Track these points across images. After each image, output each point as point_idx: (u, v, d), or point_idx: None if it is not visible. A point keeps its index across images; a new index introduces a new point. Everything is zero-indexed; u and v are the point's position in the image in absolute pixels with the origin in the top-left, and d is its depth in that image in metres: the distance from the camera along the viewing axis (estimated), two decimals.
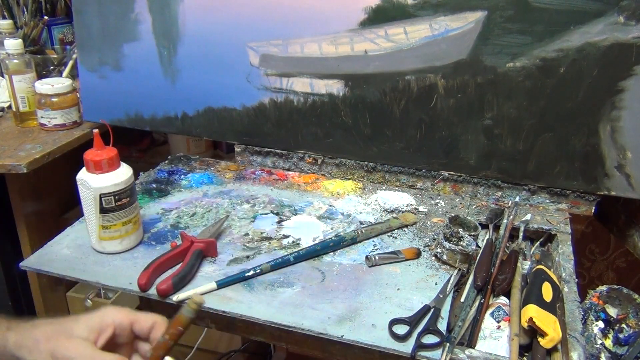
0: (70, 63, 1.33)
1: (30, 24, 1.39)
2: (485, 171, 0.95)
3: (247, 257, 0.79)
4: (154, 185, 0.98)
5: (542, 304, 0.66)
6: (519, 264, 0.78)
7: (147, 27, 1.01)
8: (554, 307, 0.68)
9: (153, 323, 0.53)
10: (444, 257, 0.78)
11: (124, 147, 1.42)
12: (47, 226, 1.22)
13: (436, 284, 0.74)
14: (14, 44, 1.12)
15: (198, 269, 0.75)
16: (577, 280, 0.75)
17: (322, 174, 1.05)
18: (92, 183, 0.73)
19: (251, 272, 0.73)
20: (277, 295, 0.70)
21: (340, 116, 0.98)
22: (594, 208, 0.92)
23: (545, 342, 0.62)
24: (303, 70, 0.97)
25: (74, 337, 0.51)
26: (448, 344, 0.63)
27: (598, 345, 0.73)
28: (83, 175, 0.74)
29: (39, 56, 1.35)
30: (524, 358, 0.64)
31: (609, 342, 0.75)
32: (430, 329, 0.65)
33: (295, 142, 1.03)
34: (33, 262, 0.76)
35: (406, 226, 0.88)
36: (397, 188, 1.01)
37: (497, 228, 0.88)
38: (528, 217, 0.89)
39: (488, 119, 0.91)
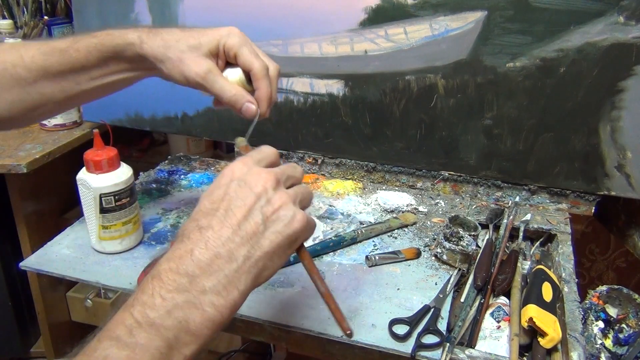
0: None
1: (30, 24, 1.39)
2: (485, 171, 0.95)
3: None
4: (154, 185, 0.98)
5: (542, 304, 0.66)
6: (519, 264, 0.78)
7: None
8: (554, 307, 0.68)
9: (250, 68, 0.63)
10: (444, 257, 0.78)
11: (124, 147, 1.42)
12: (47, 226, 1.22)
13: (436, 284, 0.74)
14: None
15: None
16: (577, 280, 0.75)
17: (322, 174, 1.05)
18: (92, 183, 0.73)
19: None
20: (277, 295, 0.70)
21: (340, 116, 0.98)
22: (594, 208, 0.92)
23: (545, 342, 0.62)
24: (303, 70, 0.97)
25: (198, 59, 0.62)
26: (448, 344, 0.63)
27: (598, 345, 0.73)
28: (83, 175, 0.74)
29: None
30: (524, 358, 0.64)
31: (609, 342, 0.75)
32: (430, 329, 0.65)
33: (295, 142, 1.03)
34: (33, 262, 0.76)
35: (406, 226, 0.88)
36: (397, 188, 1.01)
37: (497, 228, 0.88)
38: (528, 217, 0.89)
39: (488, 119, 0.91)
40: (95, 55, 0.63)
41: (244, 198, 0.45)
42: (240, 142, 0.59)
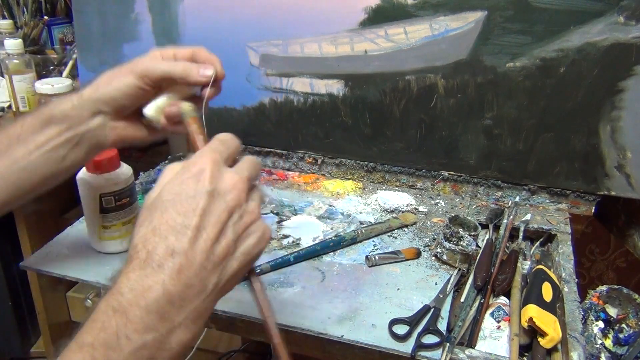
0: (70, 63, 1.33)
1: (30, 24, 1.39)
2: (485, 171, 0.95)
3: None
4: (154, 185, 0.98)
5: (542, 304, 0.66)
6: (519, 264, 0.78)
7: (147, 27, 1.01)
8: (554, 307, 0.68)
9: (192, 51, 0.59)
10: (444, 257, 0.78)
11: (124, 147, 1.42)
12: (47, 226, 1.22)
13: (436, 284, 0.74)
14: (14, 44, 1.12)
15: None
16: (577, 280, 0.75)
17: (322, 174, 1.05)
18: (92, 183, 0.73)
19: None
20: (277, 295, 0.70)
21: (340, 116, 0.98)
22: (594, 208, 0.92)
23: (545, 342, 0.62)
24: (303, 70, 0.97)
25: (143, 59, 0.57)
26: (448, 344, 0.63)
27: (598, 345, 0.73)
28: (83, 175, 0.74)
29: (39, 56, 1.35)
30: (524, 358, 0.64)
31: (609, 342, 0.75)
32: (430, 329, 0.65)
33: (295, 142, 1.03)
34: (33, 262, 0.76)
35: (406, 226, 0.88)
36: (397, 188, 1.01)
37: (497, 228, 0.88)
38: (528, 217, 0.89)
39: (488, 119, 0.91)
40: (30, 122, 0.57)
41: (218, 213, 0.41)
42: (189, 111, 0.53)
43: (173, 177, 0.43)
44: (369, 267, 0.77)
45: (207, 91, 0.57)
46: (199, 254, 0.39)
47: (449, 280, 0.74)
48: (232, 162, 0.45)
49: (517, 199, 0.95)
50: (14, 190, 0.58)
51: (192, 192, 0.41)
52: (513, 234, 0.87)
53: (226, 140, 0.46)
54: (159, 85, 0.57)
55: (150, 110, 0.57)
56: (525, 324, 0.64)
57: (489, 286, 0.74)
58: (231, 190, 0.42)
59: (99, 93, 0.56)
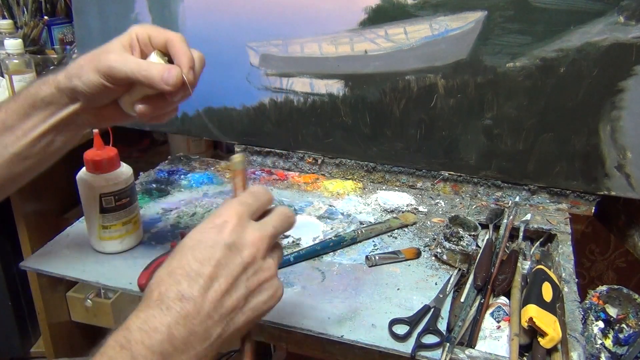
0: (70, 63, 1.33)
1: (30, 24, 1.39)
2: (485, 171, 0.95)
3: None
4: (154, 185, 0.98)
5: (542, 304, 0.66)
6: (519, 264, 0.78)
7: None
8: (554, 307, 0.68)
9: (165, 39, 0.56)
10: (444, 257, 0.78)
11: (124, 147, 1.42)
12: (47, 226, 1.22)
13: (436, 284, 0.74)
14: (14, 44, 1.12)
15: None
16: (577, 280, 0.75)
17: (322, 174, 1.05)
18: (92, 183, 0.73)
19: None
20: None
21: (340, 116, 0.98)
22: (594, 208, 0.92)
23: (545, 342, 0.62)
24: (303, 70, 0.97)
25: (111, 52, 0.54)
26: (448, 344, 0.63)
27: (598, 345, 0.73)
28: (83, 175, 0.74)
29: (39, 56, 1.35)
30: (524, 358, 0.64)
31: (609, 342, 0.75)
32: (430, 329, 0.65)
33: (295, 142, 1.03)
34: (33, 262, 0.76)
35: (406, 226, 0.88)
36: (397, 188, 1.01)
37: (497, 228, 0.88)
38: (528, 217, 0.89)
39: (488, 119, 0.91)
40: (14, 108, 0.57)
41: (233, 267, 0.42)
42: (237, 162, 0.50)
43: (199, 225, 0.44)
44: (369, 267, 0.77)
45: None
46: (208, 304, 0.41)
47: (449, 280, 0.74)
48: (260, 215, 0.46)
49: (517, 199, 0.95)
50: (8, 176, 0.59)
51: (211, 242, 0.42)
52: (513, 234, 0.87)
53: (257, 193, 0.47)
54: (126, 83, 0.55)
55: (123, 104, 0.57)
56: (525, 324, 0.64)
57: (489, 286, 0.74)
58: (249, 247, 0.43)
59: (72, 84, 0.56)
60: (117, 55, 0.54)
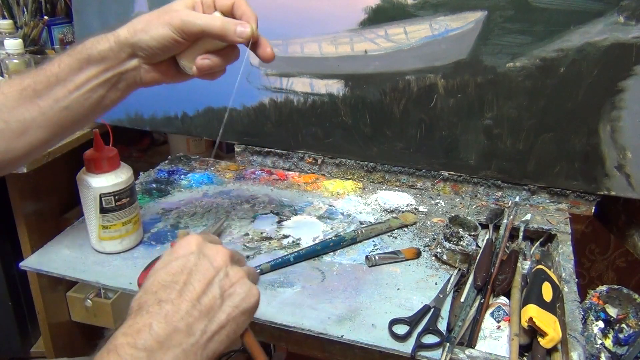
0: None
1: (30, 24, 1.39)
2: (485, 171, 0.95)
3: (247, 257, 0.79)
4: (154, 185, 0.98)
5: (542, 304, 0.66)
6: (519, 264, 0.78)
7: None
8: (554, 307, 0.68)
9: (233, 1, 0.59)
10: (444, 257, 0.78)
11: (124, 147, 1.42)
12: (47, 226, 1.22)
13: (436, 284, 0.74)
14: (14, 44, 1.12)
15: None
16: (577, 280, 0.75)
17: (322, 174, 1.05)
18: (92, 183, 0.73)
19: None
20: (277, 295, 0.70)
21: (340, 116, 0.98)
22: (594, 208, 0.92)
23: (545, 342, 0.62)
24: (303, 70, 0.97)
25: (179, 10, 0.57)
26: (448, 344, 0.63)
27: (598, 345, 0.73)
28: (83, 175, 0.74)
29: (39, 56, 1.35)
30: (524, 358, 0.64)
31: (609, 342, 0.75)
32: (430, 329, 0.65)
33: (295, 142, 1.03)
34: (33, 262, 0.76)
35: (406, 226, 0.88)
36: (397, 188, 1.01)
37: (497, 228, 0.88)
38: (528, 217, 0.89)
39: (488, 119, 0.91)
40: (67, 62, 0.58)
41: (204, 271, 0.45)
42: (182, 233, 0.55)
43: (164, 253, 0.48)
44: (369, 267, 0.77)
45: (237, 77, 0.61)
46: (185, 303, 0.43)
47: (449, 280, 0.74)
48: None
49: (517, 199, 0.95)
50: (57, 129, 0.60)
51: (180, 256, 0.46)
52: (513, 234, 0.87)
53: (210, 237, 0.51)
54: (196, 38, 0.58)
55: (184, 59, 0.59)
56: (525, 324, 0.64)
57: (489, 286, 0.74)
58: (216, 254, 0.47)
59: (135, 38, 0.57)
60: (188, 12, 0.57)
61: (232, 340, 0.46)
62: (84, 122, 0.62)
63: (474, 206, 0.95)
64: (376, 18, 0.90)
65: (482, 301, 0.72)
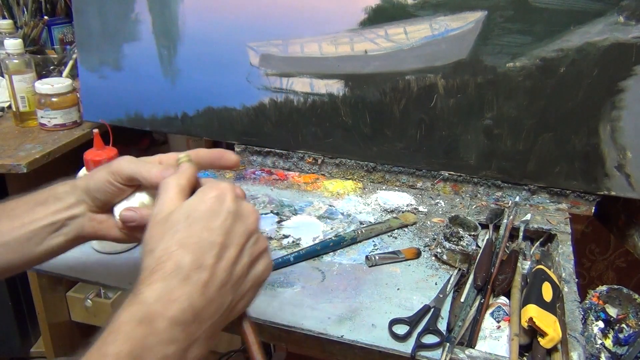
0: (70, 63, 1.33)
1: (30, 24, 1.39)
2: (485, 171, 0.95)
3: None
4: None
5: (542, 304, 0.66)
6: (519, 264, 0.78)
7: (147, 27, 1.01)
8: (554, 307, 0.68)
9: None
10: (444, 257, 0.78)
11: (124, 147, 1.42)
12: None
13: (436, 284, 0.74)
14: (14, 44, 1.12)
15: None
16: (577, 280, 0.75)
17: (322, 174, 1.05)
18: None
19: None
20: (277, 295, 0.70)
21: (340, 116, 0.98)
22: (594, 208, 0.92)
23: (545, 342, 0.62)
24: (303, 70, 0.97)
25: (126, 159, 0.55)
26: (448, 344, 0.63)
27: (598, 345, 0.73)
28: (83, 175, 0.74)
29: (39, 56, 1.35)
30: (524, 358, 0.64)
31: (609, 342, 0.75)
32: (430, 329, 0.65)
33: (295, 142, 1.03)
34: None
35: (406, 226, 0.88)
36: (397, 188, 1.01)
37: (497, 228, 0.88)
38: (528, 217, 0.89)
39: (488, 119, 0.91)
40: (26, 200, 0.57)
41: (239, 236, 0.44)
42: (184, 158, 0.53)
43: (195, 196, 0.45)
44: (369, 267, 0.77)
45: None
46: (221, 272, 0.42)
47: (449, 280, 0.74)
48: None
49: (517, 199, 0.95)
50: None
51: (217, 211, 0.43)
52: (513, 234, 0.87)
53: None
54: (131, 184, 0.55)
55: (116, 209, 0.57)
56: (525, 324, 0.64)
57: (489, 286, 0.74)
58: (250, 215, 0.45)
59: (84, 183, 0.56)
60: (129, 159, 0.55)
61: (240, 312, 0.46)
62: (16, 267, 0.56)
63: (474, 206, 0.95)
64: (376, 18, 0.90)
65: (482, 301, 0.72)
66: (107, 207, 0.57)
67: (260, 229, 0.46)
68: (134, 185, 0.55)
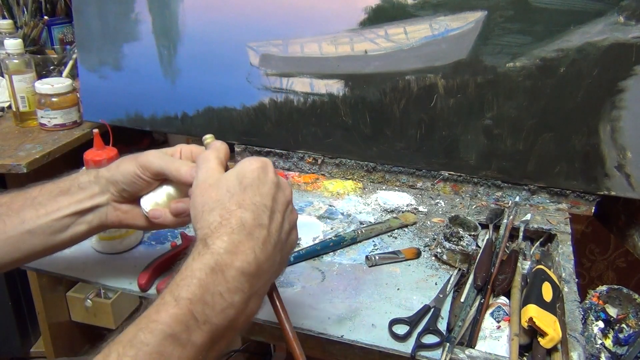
0: (70, 63, 1.34)
1: (30, 24, 1.39)
2: (485, 171, 0.95)
3: None
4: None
5: (542, 304, 0.66)
6: (519, 264, 0.78)
7: (147, 27, 1.01)
8: (554, 307, 0.68)
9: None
10: (444, 257, 0.78)
11: (124, 147, 1.42)
12: None
13: (436, 284, 0.74)
14: (14, 44, 1.12)
15: None
16: (577, 280, 0.75)
17: (322, 174, 1.05)
18: None
19: None
20: None
21: (340, 116, 0.98)
22: (594, 208, 0.92)
23: (545, 342, 0.62)
24: (303, 70, 0.97)
25: (152, 152, 0.58)
26: (448, 344, 0.63)
27: (598, 345, 0.73)
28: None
29: (39, 56, 1.35)
30: (524, 358, 0.64)
31: (609, 342, 0.75)
32: (430, 329, 0.65)
33: (295, 142, 1.03)
34: (33, 261, 0.75)
35: (406, 226, 0.88)
36: (397, 188, 1.01)
37: (497, 228, 0.88)
38: (528, 217, 0.89)
39: (488, 118, 0.91)
40: (49, 188, 0.59)
41: (282, 203, 0.48)
42: (209, 137, 0.57)
43: (240, 166, 0.49)
44: (369, 267, 0.77)
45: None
46: (274, 232, 0.46)
47: (449, 280, 0.74)
48: None
49: (517, 199, 0.95)
50: (13, 252, 0.57)
51: (264, 180, 0.47)
52: (513, 234, 0.87)
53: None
54: (158, 178, 0.58)
55: (143, 201, 0.59)
56: (525, 324, 0.64)
57: (489, 286, 0.74)
58: (287, 187, 0.50)
59: (109, 173, 0.58)
60: (156, 153, 0.58)
61: (280, 274, 0.50)
62: (39, 252, 0.59)
63: (474, 206, 0.95)
64: (376, 18, 0.90)
65: (482, 301, 0.72)
66: (132, 198, 0.59)
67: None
68: (160, 179, 0.58)
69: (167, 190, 0.59)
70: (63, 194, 0.58)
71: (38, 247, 0.58)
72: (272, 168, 0.49)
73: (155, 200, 0.59)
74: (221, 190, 0.47)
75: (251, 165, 0.48)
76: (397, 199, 0.96)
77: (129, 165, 0.58)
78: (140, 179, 0.57)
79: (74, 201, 0.58)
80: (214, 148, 0.53)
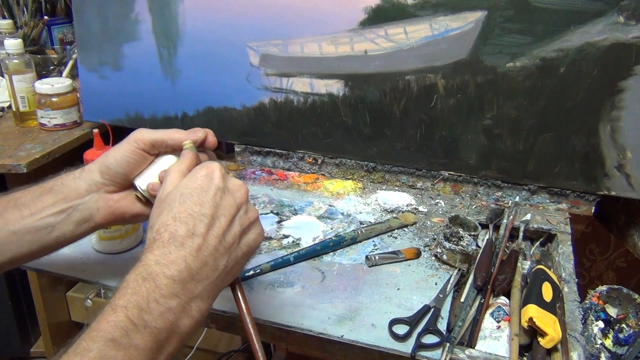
0: (70, 63, 1.34)
1: (30, 24, 1.39)
2: (485, 171, 0.95)
3: None
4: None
5: (542, 304, 0.66)
6: (519, 264, 0.78)
7: (147, 27, 1.01)
8: (554, 307, 0.68)
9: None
10: (444, 257, 0.78)
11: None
12: None
13: (436, 284, 0.74)
14: (14, 44, 1.12)
15: None
16: (577, 280, 0.75)
17: (322, 174, 1.05)
18: None
19: (251, 272, 0.73)
20: (277, 295, 0.70)
21: (340, 116, 0.98)
22: (594, 208, 0.92)
23: (545, 342, 0.62)
24: (303, 70, 0.97)
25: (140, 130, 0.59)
26: (448, 344, 0.63)
27: (598, 345, 0.73)
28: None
29: (39, 56, 1.36)
30: (524, 358, 0.64)
31: (609, 342, 0.75)
32: (430, 329, 0.65)
33: (295, 142, 1.03)
34: (33, 261, 0.75)
35: (406, 226, 0.88)
36: (397, 188, 1.01)
37: (497, 228, 0.88)
38: (528, 217, 0.89)
39: (488, 119, 0.91)
40: (33, 190, 0.58)
41: (229, 207, 0.49)
42: (189, 145, 0.57)
43: (188, 176, 0.51)
44: (369, 267, 0.77)
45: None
46: (213, 239, 0.47)
47: (449, 280, 0.74)
48: None
49: (517, 199, 0.95)
50: None
51: (206, 188, 0.49)
52: (513, 234, 0.87)
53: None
54: (153, 151, 0.58)
55: (138, 181, 0.58)
56: (525, 324, 0.64)
57: (489, 286, 0.74)
58: (238, 190, 0.51)
59: (97, 164, 0.58)
60: (147, 129, 0.58)
61: (241, 270, 0.51)
62: (26, 255, 0.57)
63: (474, 206, 0.95)
64: (376, 18, 0.90)
65: (482, 301, 0.72)
66: (125, 183, 0.59)
67: (249, 201, 0.52)
68: (154, 153, 0.59)
69: (160, 168, 0.58)
70: (46, 193, 0.57)
71: (24, 249, 0.57)
72: (220, 173, 0.50)
73: (150, 180, 0.58)
74: (164, 205, 0.49)
75: (196, 174, 0.50)
76: (397, 199, 0.96)
77: (121, 146, 0.58)
78: (134, 154, 0.57)
79: (59, 199, 0.57)
80: (181, 159, 0.54)
